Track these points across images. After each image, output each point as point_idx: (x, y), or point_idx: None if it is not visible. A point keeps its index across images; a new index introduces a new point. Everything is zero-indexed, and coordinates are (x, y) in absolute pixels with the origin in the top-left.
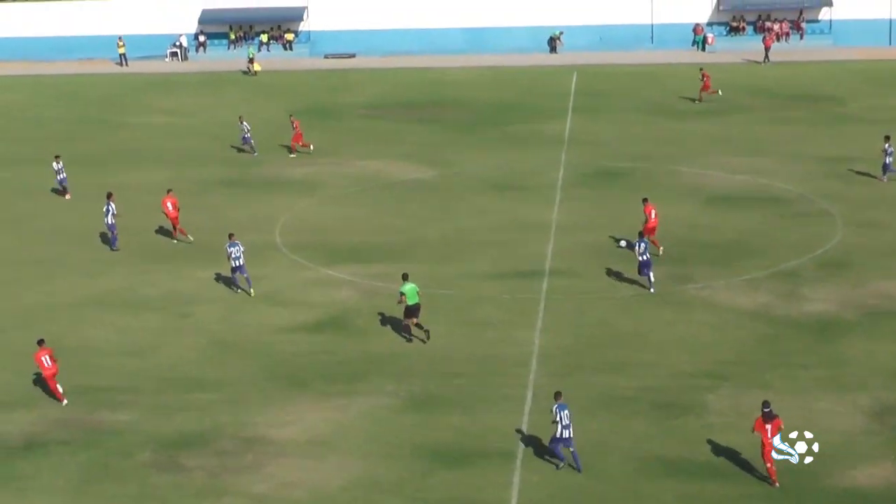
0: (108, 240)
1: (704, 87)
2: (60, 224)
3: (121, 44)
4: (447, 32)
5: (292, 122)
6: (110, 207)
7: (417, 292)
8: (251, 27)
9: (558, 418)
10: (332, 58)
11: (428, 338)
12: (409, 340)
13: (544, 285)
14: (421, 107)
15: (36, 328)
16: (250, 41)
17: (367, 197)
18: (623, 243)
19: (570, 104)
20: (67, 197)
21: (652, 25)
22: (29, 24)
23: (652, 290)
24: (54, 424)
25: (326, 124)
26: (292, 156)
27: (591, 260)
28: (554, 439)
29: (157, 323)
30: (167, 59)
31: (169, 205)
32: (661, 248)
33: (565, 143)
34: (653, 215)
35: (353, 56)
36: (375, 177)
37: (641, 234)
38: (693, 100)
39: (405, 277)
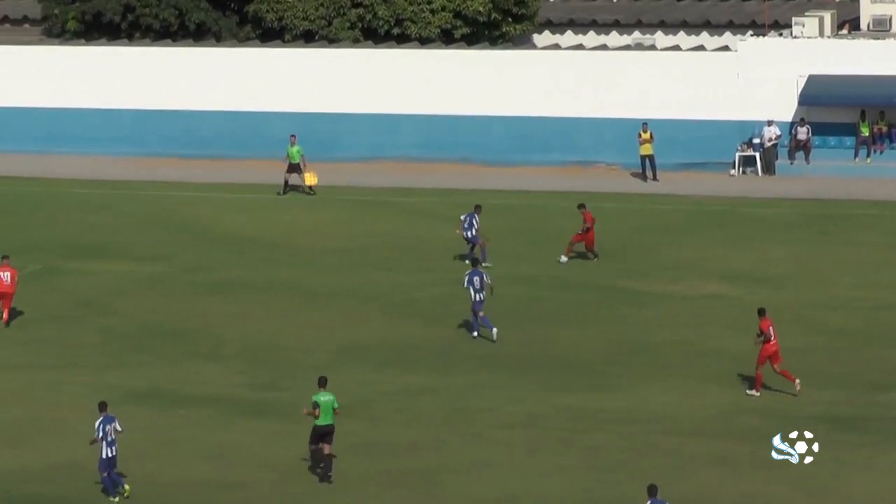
0: None
1: None
2: None
3: (645, 136)
4: None
5: None
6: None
7: (335, 409)
8: None
9: None
10: None
11: (330, 480)
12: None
13: None
14: None
15: None
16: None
17: None
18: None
19: None
20: None
21: None
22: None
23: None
24: None
25: None
26: None
27: None
28: None
29: None
30: (733, 173)
31: None
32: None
33: None
34: None
35: None
36: None
37: None
38: None
39: (322, 383)
